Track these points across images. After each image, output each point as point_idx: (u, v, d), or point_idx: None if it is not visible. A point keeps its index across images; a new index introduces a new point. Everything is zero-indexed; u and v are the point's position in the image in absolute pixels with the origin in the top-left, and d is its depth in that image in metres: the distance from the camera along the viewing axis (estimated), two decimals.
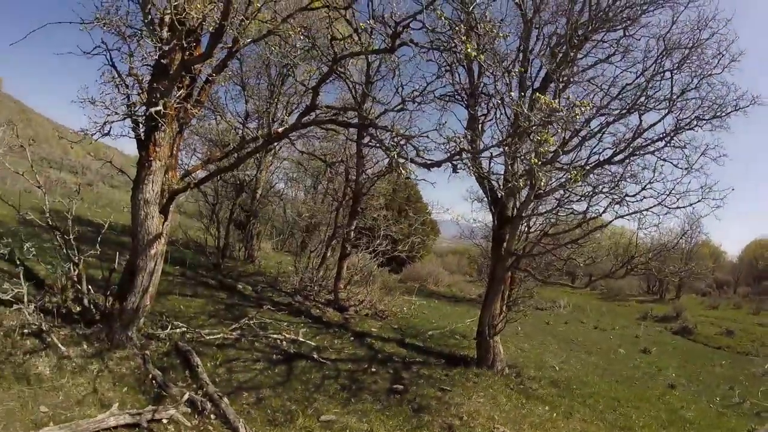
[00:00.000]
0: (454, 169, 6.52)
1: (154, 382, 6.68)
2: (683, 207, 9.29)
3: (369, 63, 12.30)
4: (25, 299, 6.75)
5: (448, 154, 6.40)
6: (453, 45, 6.55)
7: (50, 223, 7.45)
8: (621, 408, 9.23)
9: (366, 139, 11.96)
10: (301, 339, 9.51)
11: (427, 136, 6.54)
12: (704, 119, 9.54)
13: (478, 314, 11.37)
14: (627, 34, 10.26)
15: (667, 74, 9.62)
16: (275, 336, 9.35)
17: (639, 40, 10.32)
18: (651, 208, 9.28)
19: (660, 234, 19.11)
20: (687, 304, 31.36)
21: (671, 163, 9.81)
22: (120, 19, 6.74)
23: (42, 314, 6.84)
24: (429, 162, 6.56)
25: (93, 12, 6.60)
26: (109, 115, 6.45)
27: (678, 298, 35.46)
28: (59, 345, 6.52)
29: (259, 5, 6.42)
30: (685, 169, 9.58)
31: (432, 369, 9.53)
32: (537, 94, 6.10)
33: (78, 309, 7.60)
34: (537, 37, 10.51)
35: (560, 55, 10.12)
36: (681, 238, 24.39)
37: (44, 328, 6.62)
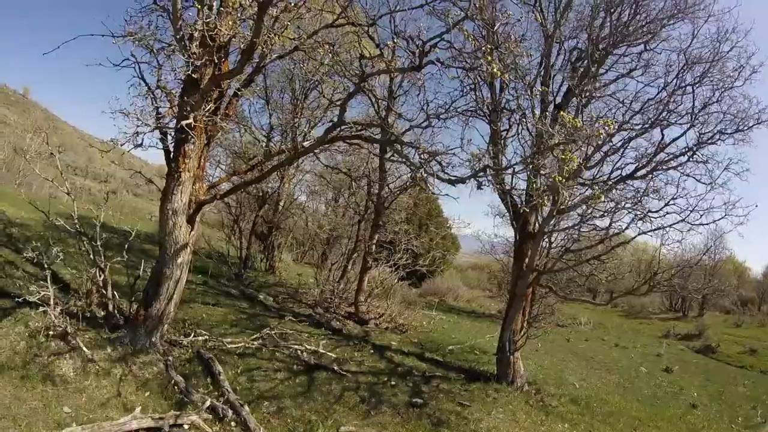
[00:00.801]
0: (479, 186, 6.57)
1: (176, 387, 6.81)
2: (706, 224, 9.16)
3: (392, 79, 12.48)
4: (52, 302, 6.91)
5: (472, 170, 6.45)
6: (478, 63, 6.64)
7: (78, 229, 7.68)
8: (642, 427, 9.06)
9: (389, 154, 12.08)
10: (321, 350, 9.57)
11: (453, 153, 6.63)
12: (727, 133, 9.42)
13: (497, 330, 11.30)
14: (648, 48, 10.24)
15: (689, 88, 9.54)
16: (296, 347, 9.42)
17: (660, 54, 10.30)
18: (674, 224, 9.16)
19: (683, 250, 18.81)
20: (710, 321, 30.59)
21: (694, 178, 9.68)
22: (150, 33, 6.98)
23: (67, 317, 7.01)
24: (454, 178, 6.63)
25: (122, 25, 6.86)
26: (139, 126, 6.64)
27: (701, 315, 34.59)
28: (84, 348, 6.68)
29: (287, 22, 6.59)
30: (709, 184, 9.45)
31: (451, 384, 9.48)
32: (560, 113, 6.14)
33: (102, 313, 7.81)
34: (558, 53, 10.55)
35: (581, 70, 10.15)
36: (704, 254, 23.90)
37: (69, 331, 6.78)
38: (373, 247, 14.13)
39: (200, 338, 8.52)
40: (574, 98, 10.10)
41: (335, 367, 8.90)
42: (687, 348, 23.18)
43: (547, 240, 10.42)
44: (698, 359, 20.45)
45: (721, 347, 22.56)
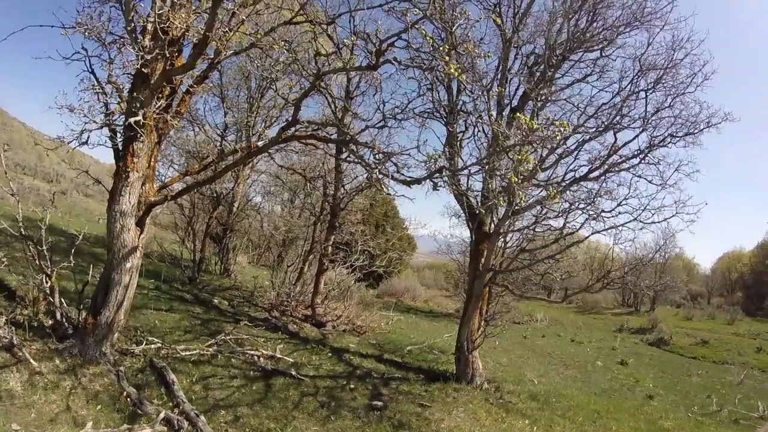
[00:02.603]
0: (435, 187, 6.57)
1: (128, 399, 6.48)
2: (658, 222, 9.53)
3: (349, 79, 12.39)
4: None
5: (428, 171, 6.44)
6: (435, 64, 6.64)
7: (23, 232, 7.23)
8: (601, 420, 9.30)
9: (345, 155, 11.98)
10: (278, 355, 9.38)
11: (409, 154, 6.59)
12: (678, 136, 9.83)
13: (455, 329, 11.38)
14: (603, 54, 10.56)
15: (642, 94, 9.91)
16: (252, 352, 9.19)
17: (615, 60, 10.65)
18: (626, 223, 9.48)
19: (635, 248, 19.53)
20: (662, 315, 31.95)
21: (646, 179, 10.05)
22: (102, 25, 6.64)
23: (13, 327, 6.56)
24: (409, 179, 6.60)
25: (74, 17, 6.51)
26: (87, 123, 6.30)
27: (653, 310, 36.12)
28: (31, 360, 6.27)
29: (243, 17, 6.40)
30: (660, 185, 9.83)
31: (411, 385, 9.47)
32: (516, 114, 6.22)
33: (50, 323, 7.38)
34: (515, 57, 10.75)
35: (538, 74, 10.36)
36: (656, 252, 24.89)
37: (15, 342, 6.33)
38: (330, 248, 13.99)
39: (153, 346, 8.17)
40: (530, 101, 10.30)
41: (293, 372, 8.72)
42: (641, 341, 24.12)
43: (502, 240, 10.59)
44: (652, 352, 21.31)
45: (673, 340, 23.58)
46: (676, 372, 16.67)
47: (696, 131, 9.74)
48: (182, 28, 6.77)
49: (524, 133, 6.08)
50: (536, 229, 10.25)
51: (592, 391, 11.88)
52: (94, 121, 6.39)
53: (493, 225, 10.24)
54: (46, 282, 7.30)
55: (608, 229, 9.51)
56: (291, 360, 9.39)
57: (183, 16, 6.67)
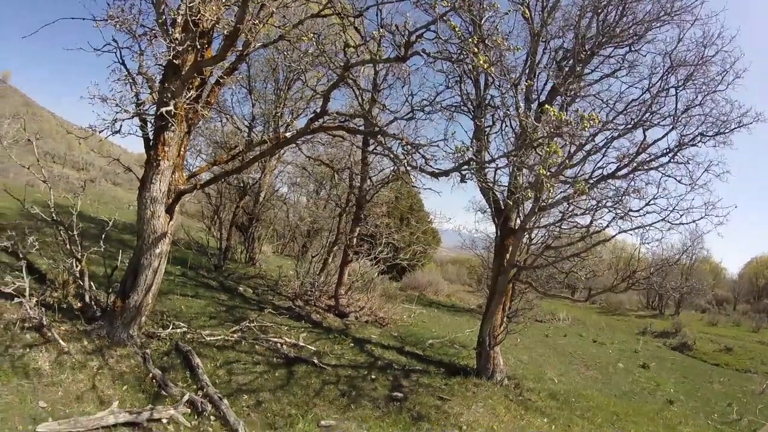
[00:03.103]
0: (462, 179, 6.55)
1: (154, 381, 6.67)
2: (686, 223, 9.32)
3: (377, 71, 12.39)
4: (27, 293, 6.74)
5: (456, 164, 6.43)
6: (464, 56, 6.60)
7: (55, 218, 7.47)
8: (619, 422, 9.19)
9: (372, 146, 12.01)
10: (301, 343, 9.51)
11: (437, 146, 6.58)
12: (708, 135, 9.56)
13: (477, 324, 11.34)
14: (633, 49, 10.34)
15: (672, 90, 9.67)
16: (276, 339, 9.34)
17: (645, 56, 10.41)
18: (654, 223, 9.29)
19: (662, 249, 19.14)
20: (686, 320, 31.24)
21: (675, 179, 9.83)
22: (133, 18, 6.79)
23: (43, 309, 6.82)
24: (437, 171, 6.59)
25: (105, 9, 6.66)
26: (118, 112, 6.46)
27: (677, 313, 35.33)
28: (59, 340, 6.50)
29: (273, 9, 6.47)
30: (689, 185, 9.61)
31: (432, 378, 9.50)
32: (546, 106, 6.15)
33: (79, 305, 7.62)
34: (544, 51, 10.60)
35: (566, 69, 10.21)
36: (683, 254, 24.30)
37: (45, 323, 6.58)
38: (354, 240, 14.08)
39: (179, 330, 8.38)
40: (559, 97, 10.15)
41: (315, 361, 8.84)
42: (663, 345, 23.62)
43: (528, 236, 10.50)
44: (674, 356, 20.86)
45: (696, 345, 23.02)
46: (697, 378, 16.30)
47: (726, 131, 9.47)
48: (212, 20, 6.87)
49: (553, 126, 6.02)
50: (562, 226, 10.14)
51: (612, 393, 11.73)
52: (126, 111, 6.55)
53: (519, 221, 10.17)
54: (76, 266, 7.53)
55: (635, 228, 9.34)
56: (313, 348, 9.51)
57: (213, 8, 6.77)
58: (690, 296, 34.65)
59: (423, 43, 6.55)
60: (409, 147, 6.59)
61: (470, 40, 6.04)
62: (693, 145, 9.64)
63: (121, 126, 6.50)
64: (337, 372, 8.75)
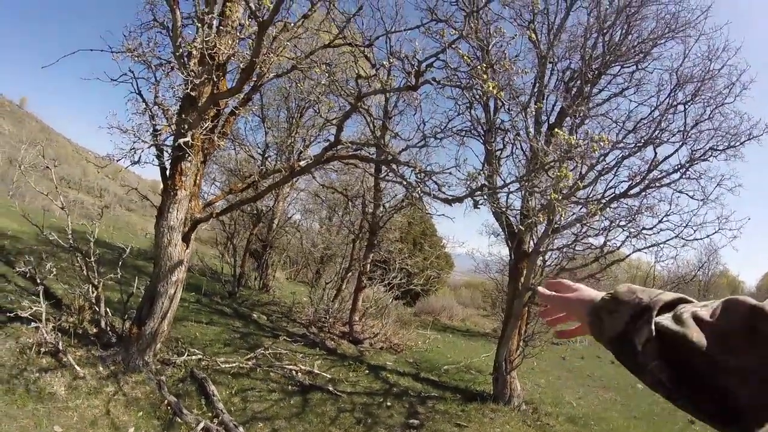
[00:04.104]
0: (475, 205, 6.59)
1: (169, 408, 6.68)
2: (700, 239, 9.26)
3: (387, 98, 12.58)
4: (43, 318, 6.82)
5: (469, 190, 6.47)
6: (473, 82, 6.71)
7: (72, 244, 7.62)
8: None
9: (384, 173, 12.12)
10: (316, 371, 9.46)
11: (450, 173, 6.64)
12: (718, 149, 9.56)
13: (493, 349, 11.21)
14: (640, 67, 10.43)
15: (680, 107, 9.71)
16: (290, 367, 9.32)
17: (652, 73, 10.49)
18: (668, 240, 9.26)
19: (677, 266, 18.88)
20: None
21: (687, 194, 9.81)
22: (150, 51, 7.01)
23: (59, 334, 6.90)
24: (451, 197, 6.64)
25: (121, 41, 6.90)
26: (135, 142, 6.63)
27: None
28: (75, 365, 6.56)
29: (285, 42, 6.66)
30: (701, 200, 9.57)
31: (448, 404, 9.38)
32: (556, 130, 6.21)
33: (95, 331, 7.70)
34: (551, 73, 10.72)
35: (574, 90, 10.30)
36: (699, 270, 23.95)
37: (60, 348, 6.66)
38: (368, 266, 14.08)
39: (194, 357, 8.40)
40: (568, 118, 10.23)
41: (330, 388, 8.79)
42: None
43: (542, 259, 10.46)
44: None
45: None
46: None
47: (737, 144, 9.46)
48: (228, 54, 7.08)
49: (563, 150, 6.07)
50: (576, 248, 10.09)
51: (632, 415, 11.46)
52: (144, 141, 6.73)
53: (532, 243, 10.14)
54: (92, 292, 7.63)
55: (650, 246, 9.31)
56: (328, 376, 9.46)
57: (228, 42, 7.00)
58: None
59: (432, 71, 6.68)
60: (422, 174, 6.65)
61: (479, 67, 6.15)
62: (704, 160, 9.63)
63: (140, 156, 6.68)
64: (353, 399, 8.68)
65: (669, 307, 0.91)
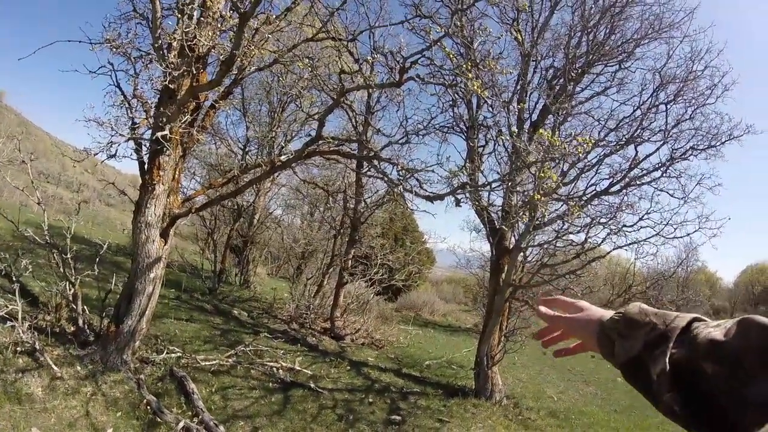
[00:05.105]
0: (457, 203, 6.58)
1: (148, 407, 6.56)
2: (680, 237, 9.39)
3: (370, 94, 12.50)
4: (20, 316, 6.65)
5: (451, 187, 6.46)
6: (458, 80, 6.68)
7: (49, 240, 7.42)
8: None
9: (366, 169, 12.06)
10: (297, 367, 9.40)
11: (432, 170, 6.62)
12: (699, 149, 9.70)
13: (474, 344, 11.27)
14: (623, 67, 10.52)
15: (662, 106, 9.83)
16: (271, 364, 9.24)
17: (634, 72, 10.58)
18: (648, 238, 9.37)
19: (657, 263, 19.19)
20: None
21: (667, 192, 9.94)
22: (129, 42, 6.84)
23: (36, 333, 6.72)
24: (432, 195, 6.63)
25: (101, 32, 6.72)
26: (113, 135, 6.46)
27: None
28: (52, 365, 6.40)
29: (267, 35, 6.54)
30: (682, 198, 9.71)
31: (430, 400, 9.41)
32: (540, 130, 6.23)
33: (72, 329, 7.52)
34: (534, 71, 10.76)
35: (557, 88, 10.35)
36: (678, 267, 24.38)
37: (37, 347, 6.49)
38: (349, 261, 14.03)
39: (173, 355, 8.27)
40: (551, 116, 10.28)
41: (312, 385, 8.74)
42: None
43: (523, 255, 10.52)
44: None
45: None
46: None
47: (718, 143, 9.62)
48: (208, 46, 6.94)
49: (546, 149, 6.09)
50: (557, 244, 10.17)
51: (612, 409, 11.64)
52: (121, 134, 6.56)
53: (513, 240, 10.19)
54: (70, 289, 7.46)
55: (630, 244, 9.41)
56: (310, 372, 9.41)
57: (209, 33, 6.85)
58: (686, 308, 34.61)
59: (417, 68, 6.64)
60: (404, 171, 6.62)
61: (464, 65, 6.12)
62: (684, 159, 9.77)
63: (117, 150, 6.52)
64: (334, 396, 8.64)
65: (683, 332, 0.88)
